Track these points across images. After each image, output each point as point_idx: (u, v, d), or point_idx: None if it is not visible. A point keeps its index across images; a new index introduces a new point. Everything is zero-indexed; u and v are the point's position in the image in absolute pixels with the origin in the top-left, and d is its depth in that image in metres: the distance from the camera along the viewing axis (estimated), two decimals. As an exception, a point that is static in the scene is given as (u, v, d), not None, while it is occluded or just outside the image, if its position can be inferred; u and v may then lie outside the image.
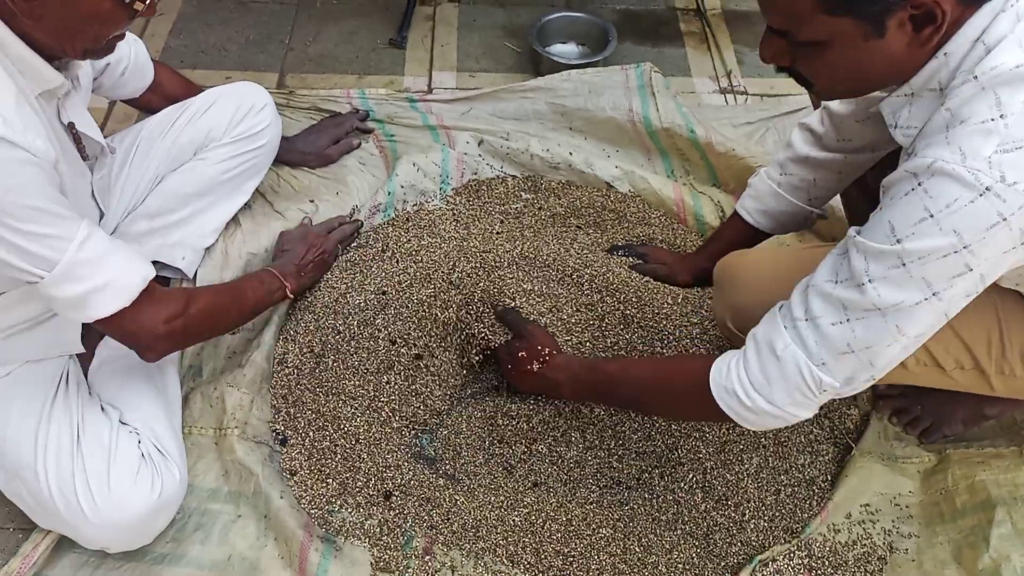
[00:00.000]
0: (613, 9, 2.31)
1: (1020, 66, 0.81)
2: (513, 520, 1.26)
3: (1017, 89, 0.81)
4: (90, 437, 1.15)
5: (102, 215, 1.24)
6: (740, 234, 1.43)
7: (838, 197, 1.40)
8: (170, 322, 1.11)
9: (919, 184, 0.83)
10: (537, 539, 1.24)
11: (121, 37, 1.07)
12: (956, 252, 0.83)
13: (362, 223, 1.62)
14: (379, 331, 1.44)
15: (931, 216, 0.83)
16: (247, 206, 1.59)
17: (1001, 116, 0.80)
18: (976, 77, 0.82)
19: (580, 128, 1.86)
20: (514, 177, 1.78)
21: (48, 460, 1.12)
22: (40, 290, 1.02)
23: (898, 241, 0.85)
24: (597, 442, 1.35)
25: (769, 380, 0.99)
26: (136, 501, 1.13)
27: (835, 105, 1.25)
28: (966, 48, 0.84)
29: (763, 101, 2.04)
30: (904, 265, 0.86)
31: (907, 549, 1.25)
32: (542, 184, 1.76)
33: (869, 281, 0.88)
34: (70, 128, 1.11)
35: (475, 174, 1.76)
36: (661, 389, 1.17)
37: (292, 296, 1.41)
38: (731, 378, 1.02)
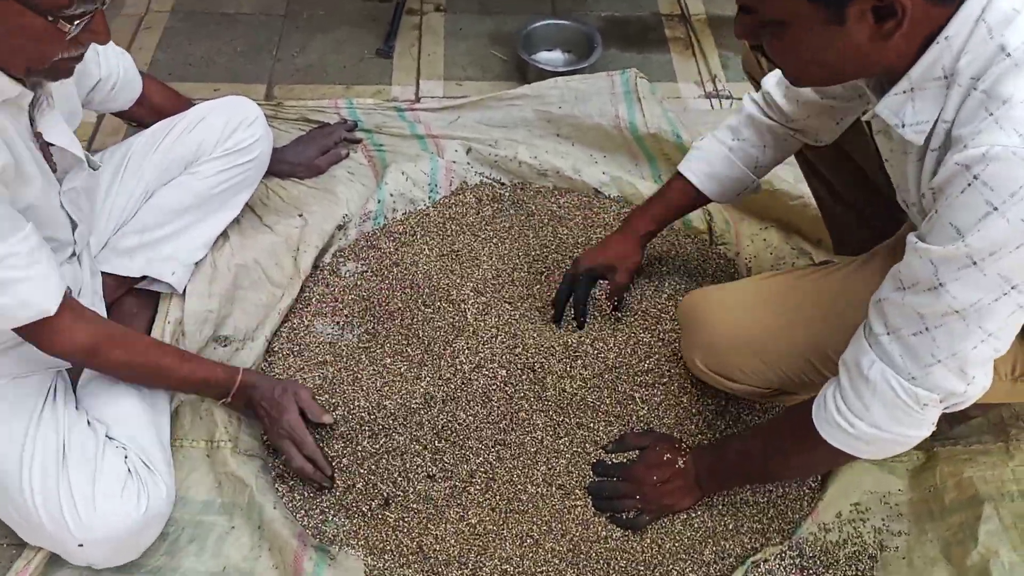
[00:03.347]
0: (598, 16, 2.32)
1: None
2: (510, 531, 1.26)
3: None
4: (75, 452, 1.14)
5: (75, 226, 1.25)
6: (683, 197, 1.39)
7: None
8: (62, 355, 1.14)
9: (975, 177, 0.78)
10: (528, 548, 1.24)
11: (77, 60, 1.04)
12: None
13: (323, 486, 1.31)
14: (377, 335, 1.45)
15: (995, 208, 0.78)
16: (236, 219, 1.59)
17: None
18: (1009, 54, 0.79)
19: (567, 135, 1.87)
20: (502, 184, 1.79)
21: (33, 475, 1.12)
22: None
23: (964, 241, 0.81)
24: (587, 448, 1.36)
25: (866, 403, 0.95)
26: (122, 516, 1.13)
27: (777, 97, 1.24)
28: (968, 29, 0.81)
29: (748, 105, 2.05)
30: (975, 264, 0.81)
31: (897, 547, 1.26)
32: (530, 191, 1.77)
33: (941, 284, 0.84)
34: (38, 139, 1.11)
35: (464, 182, 1.78)
36: (781, 447, 1.13)
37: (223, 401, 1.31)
38: (830, 410, 1.00)
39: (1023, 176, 0.77)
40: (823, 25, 0.83)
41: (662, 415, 1.39)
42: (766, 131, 1.30)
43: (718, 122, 1.93)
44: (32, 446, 1.14)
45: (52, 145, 1.14)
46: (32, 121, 1.09)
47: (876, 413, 0.96)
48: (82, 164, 1.19)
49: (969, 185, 0.79)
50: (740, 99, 2.03)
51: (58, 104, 1.14)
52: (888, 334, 0.93)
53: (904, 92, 0.87)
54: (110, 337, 1.18)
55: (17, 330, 1.10)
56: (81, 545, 1.12)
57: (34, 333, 1.10)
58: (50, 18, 0.94)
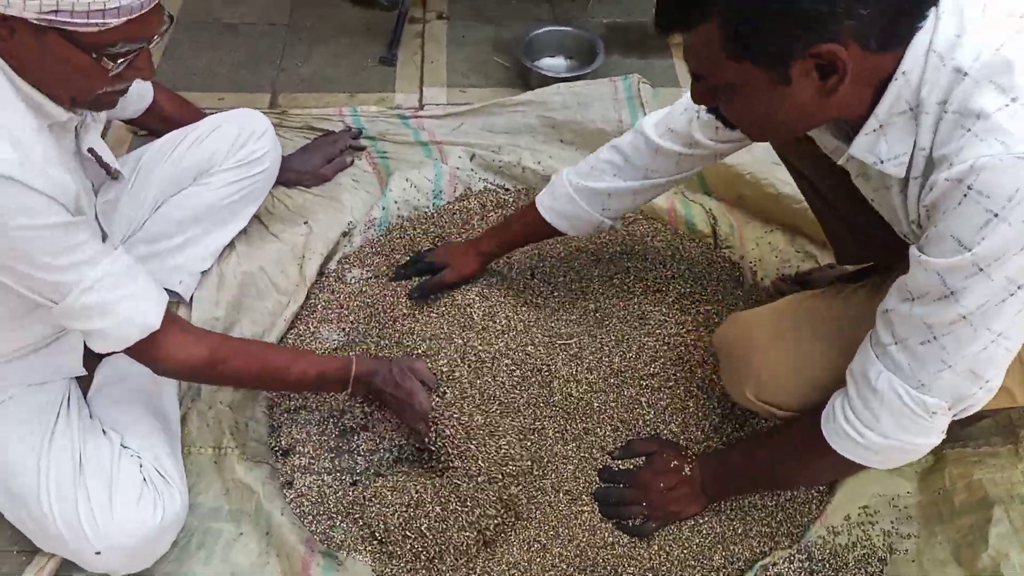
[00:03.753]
0: (600, 22, 2.33)
1: (999, 49, 0.81)
2: (517, 536, 1.26)
3: (1010, 71, 0.81)
4: (92, 462, 1.15)
5: (105, 237, 1.26)
6: (534, 227, 1.44)
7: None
8: (175, 373, 1.15)
9: (969, 188, 0.80)
10: (535, 553, 1.24)
11: (121, 93, 1.06)
12: None
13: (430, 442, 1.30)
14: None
15: (996, 215, 0.80)
16: (242, 228, 1.60)
17: (1013, 99, 0.80)
18: (967, 74, 0.82)
19: (570, 140, 1.87)
20: (506, 190, 1.79)
21: (51, 486, 1.12)
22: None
23: (969, 250, 0.82)
24: (593, 453, 1.35)
25: (875, 413, 0.97)
26: (139, 525, 1.13)
27: (655, 139, 1.27)
28: (921, 62, 0.84)
29: (751, 109, 2.06)
30: (982, 270, 0.83)
31: (907, 550, 1.26)
32: (534, 196, 1.77)
33: (951, 293, 0.86)
34: (91, 153, 1.13)
35: (468, 188, 1.78)
36: (789, 457, 1.14)
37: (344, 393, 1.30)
38: (839, 420, 1.01)
39: (1014, 180, 0.79)
40: (771, 86, 0.86)
41: (668, 419, 1.38)
42: (612, 184, 1.33)
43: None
44: (48, 456, 1.14)
45: (89, 161, 1.15)
46: (77, 138, 1.10)
47: (885, 422, 0.97)
48: (120, 176, 1.20)
49: (965, 196, 0.81)
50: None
51: (96, 115, 1.15)
52: (896, 344, 0.94)
53: (874, 131, 0.90)
54: (226, 346, 1.18)
55: (131, 354, 1.09)
56: (99, 553, 1.13)
57: (147, 354, 1.09)
58: (94, 55, 0.95)
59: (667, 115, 1.28)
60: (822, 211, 1.42)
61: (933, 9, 0.84)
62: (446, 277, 1.50)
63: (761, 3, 0.81)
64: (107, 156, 1.16)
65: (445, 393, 1.30)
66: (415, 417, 1.28)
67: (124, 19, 0.93)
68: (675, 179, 1.32)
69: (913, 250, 0.90)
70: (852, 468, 1.06)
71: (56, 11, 0.90)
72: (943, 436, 0.99)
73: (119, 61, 0.97)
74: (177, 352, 1.10)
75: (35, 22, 0.91)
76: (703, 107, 0.99)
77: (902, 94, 0.86)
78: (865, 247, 1.38)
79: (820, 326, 1.18)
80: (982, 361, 0.91)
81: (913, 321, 0.91)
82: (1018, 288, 0.85)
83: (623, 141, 1.33)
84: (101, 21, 0.92)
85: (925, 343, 0.91)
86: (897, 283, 0.94)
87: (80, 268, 1.00)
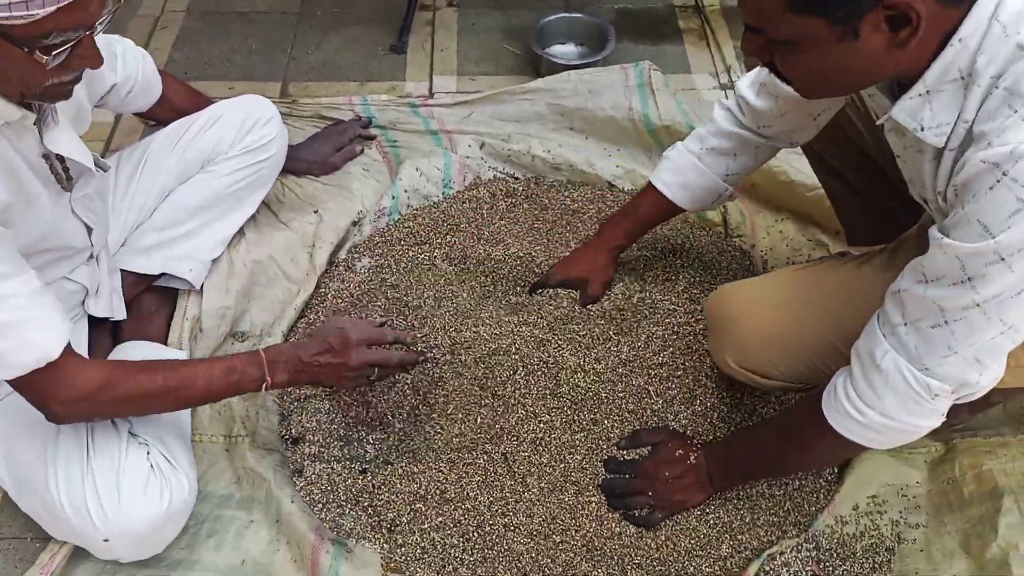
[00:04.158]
0: (611, 8, 2.31)
1: None
2: (520, 524, 1.27)
3: None
4: (100, 449, 1.16)
5: (90, 229, 1.25)
6: (656, 208, 1.40)
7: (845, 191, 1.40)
8: (70, 403, 1.05)
9: (1004, 174, 0.78)
10: (543, 543, 1.25)
11: (74, 82, 1.01)
12: None
13: (424, 356, 1.35)
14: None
15: None
16: (252, 216, 1.61)
17: None
18: None
19: (581, 128, 1.87)
20: (516, 179, 1.79)
21: (59, 473, 1.13)
22: None
23: (993, 237, 0.80)
24: (600, 444, 1.36)
25: (878, 393, 0.96)
26: (146, 512, 1.14)
27: (752, 98, 1.24)
28: (982, 29, 0.81)
29: (763, 96, 2.04)
30: (1003, 260, 0.82)
31: (915, 539, 1.25)
32: (544, 185, 1.77)
33: (969, 279, 0.85)
34: (44, 159, 1.10)
35: (477, 177, 1.78)
36: (790, 439, 1.14)
37: (269, 390, 1.19)
38: (840, 398, 1.00)
39: None
40: (835, 41, 0.82)
41: (677, 409, 1.38)
42: (736, 139, 1.30)
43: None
44: (57, 444, 1.15)
45: (67, 159, 1.13)
46: (40, 135, 1.08)
47: (888, 402, 0.96)
48: (92, 172, 1.19)
49: (998, 182, 0.79)
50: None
51: (63, 109, 1.12)
52: (905, 324, 0.93)
53: (920, 95, 0.87)
54: (125, 367, 1.13)
55: (22, 387, 1.03)
56: (107, 540, 1.14)
57: (40, 387, 1.03)
58: (26, 49, 0.91)
59: (757, 71, 1.24)
60: (835, 189, 1.41)
61: None
62: (592, 293, 1.48)
63: None
64: (75, 154, 1.12)
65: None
66: (370, 340, 1.20)
67: (52, 8, 0.87)
68: (791, 134, 1.27)
69: (933, 231, 0.88)
70: (853, 449, 1.05)
71: None
72: (944, 418, 0.99)
73: (53, 54, 0.92)
74: (72, 380, 1.04)
75: None
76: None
77: (956, 61, 0.83)
78: (878, 231, 1.37)
79: (811, 296, 1.18)
80: (989, 350, 0.90)
81: (926, 303, 0.90)
82: None
83: (730, 102, 1.30)
84: (26, 12, 0.86)
85: (936, 326, 0.90)
86: (912, 264, 0.92)
87: None
